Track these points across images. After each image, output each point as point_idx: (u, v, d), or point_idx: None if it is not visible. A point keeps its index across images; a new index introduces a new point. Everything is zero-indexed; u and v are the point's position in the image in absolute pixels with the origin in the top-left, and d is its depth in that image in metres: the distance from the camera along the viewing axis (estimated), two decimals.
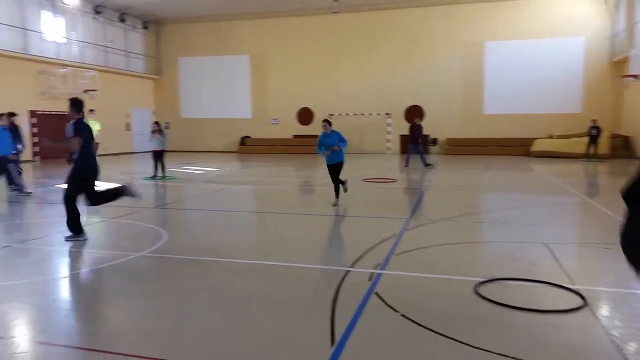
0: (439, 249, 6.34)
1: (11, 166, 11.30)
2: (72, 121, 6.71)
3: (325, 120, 9.60)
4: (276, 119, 28.23)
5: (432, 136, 25.83)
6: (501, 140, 24.73)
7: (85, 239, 6.80)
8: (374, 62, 26.36)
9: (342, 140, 9.34)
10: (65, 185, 6.81)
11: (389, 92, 26.05)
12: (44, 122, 22.03)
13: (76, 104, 6.78)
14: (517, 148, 23.77)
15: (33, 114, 21.64)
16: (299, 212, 9.37)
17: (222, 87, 28.79)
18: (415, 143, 17.51)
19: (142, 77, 28.97)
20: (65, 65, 22.89)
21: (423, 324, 3.83)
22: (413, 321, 3.89)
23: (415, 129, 17.68)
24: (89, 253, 6.30)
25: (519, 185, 13.35)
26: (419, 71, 25.83)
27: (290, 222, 8.37)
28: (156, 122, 15.13)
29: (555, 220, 8.52)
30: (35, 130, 21.74)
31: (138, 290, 4.86)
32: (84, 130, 6.74)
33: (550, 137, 23.66)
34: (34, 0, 21.95)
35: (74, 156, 6.72)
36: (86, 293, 4.92)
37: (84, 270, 5.56)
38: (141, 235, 7.38)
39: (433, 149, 25.83)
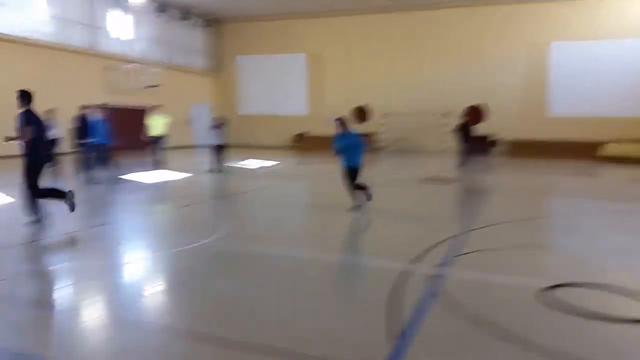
0: (503, 252, 6.13)
1: (92, 155, 12.11)
2: (21, 111, 6.74)
3: (338, 119, 8.56)
4: (332, 117, 28.26)
5: (493, 137, 25.08)
6: (567, 143, 23.64)
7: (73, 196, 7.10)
8: (434, 60, 25.90)
9: (359, 141, 8.39)
10: (25, 178, 6.88)
11: (448, 91, 25.50)
12: (109, 116, 23.03)
13: (25, 96, 6.82)
14: (584, 152, 22.62)
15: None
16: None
17: (279, 85, 29.14)
18: (466, 142, 16.93)
19: (202, 74, 29.78)
20: (130, 62, 23.86)
21: (484, 327, 3.71)
22: (474, 324, 3.77)
23: (464, 128, 17.10)
24: (157, 239, 6.55)
25: (587, 190, 12.73)
26: (480, 70, 25.13)
27: (345, 218, 8.34)
28: (216, 118, 15.51)
29: (628, 227, 8.05)
30: None
31: (202, 275, 5.00)
32: (34, 121, 6.79)
33: (621, 141, 22.41)
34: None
35: (25, 146, 6.77)
36: (156, 275, 5.13)
37: (154, 255, 5.78)
38: (202, 224, 7.60)
39: (493, 150, 25.07)
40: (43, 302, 4.17)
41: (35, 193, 6.95)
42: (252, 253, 5.86)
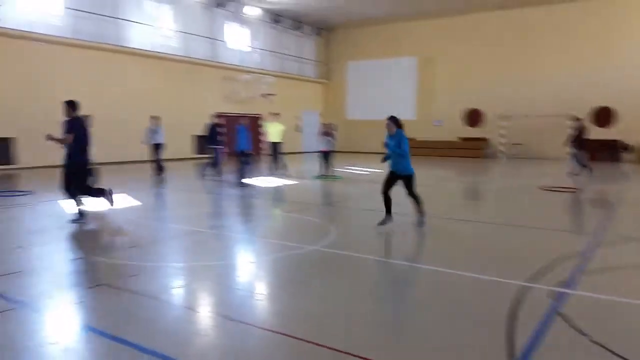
0: (633, 270, 5.49)
1: (220, 159, 13.55)
2: (68, 119, 7.31)
3: (390, 118, 7.53)
4: (440, 121, 27.46)
5: (625, 142, 22.74)
6: None
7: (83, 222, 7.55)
8: (555, 59, 24.11)
9: (399, 145, 7.31)
10: (65, 179, 7.48)
11: (572, 91, 23.58)
12: (227, 123, 24.50)
13: (72, 105, 7.41)
14: None
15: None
16: (466, 219, 8.94)
17: (388, 89, 28.97)
18: (581, 149, 15.41)
19: (313, 81, 30.57)
20: (247, 72, 25.15)
21: (618, 353, 3.32)
22: (606, 348, 3.40)
23: (580, 134, 15.55)
24: (269, 243, 6.80)
25: None
26: (610, 68, 22.90)
27: (456, 229, 8.02)
28: (325, 124, 15.81)
29: None
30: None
31: (310, 280, 5.07)
32: (78, 128, 7.31)
33: None
34: (222, 13, 24.53)
35: (67, 150, 7.33)
36: (266, 278, 5.32)
37: (265, 258, 6.00)
38: (312, 229, 7.74)
39: (626, 157, 22.72)
40: (161, 299, 4.51)
41: (83, 192, 7.65)
42: (358, 262, 5.83)
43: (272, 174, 15.42)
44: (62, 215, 8.30)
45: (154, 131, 14.71)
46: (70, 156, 7.52)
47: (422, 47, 27.84)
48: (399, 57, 28.52)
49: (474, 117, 26.53)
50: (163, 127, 15.06)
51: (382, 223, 7.39)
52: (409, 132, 24.50)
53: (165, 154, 14.72)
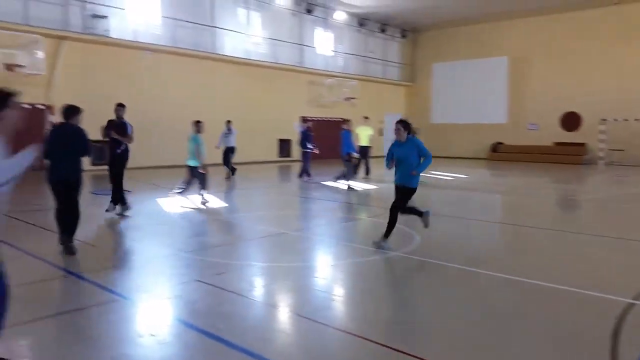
0: None
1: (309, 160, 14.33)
2: (123, 120, 8.43)
3: (400, 122, 6.72)
4: (535, 124, 26.02)
5: None
6: None
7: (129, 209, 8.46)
8: None
9: (423, 154, 6.46)
10: (120, 170, 8.46)
11: None
12: (314, 127, 24.82)
13: (124, 108, 8.55)
14: None
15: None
16: (560, 229, 8.39)
17: (476, 91, 27.92)
18: None
19: (396, 84, 30.22)
20: (332, 76, 25.38)
21: None
22: None
23: None
24: (350, 246, 6.79)
25: None
26: None
27: (551, 239, 7.55)
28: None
29: None
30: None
31: (389, 286, 5.01)
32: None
33: None
34: (311, 19, 24.95)
35: (119, 150, 8.30)
36: (346, 281, 5.32)
37: (346, 262, 6.00)
38: (394, 235, 7.59)
39: None
40: (246, 296, 4.67)
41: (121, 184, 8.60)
42: (440, 269, 5.64)
43: (356, 177, 15.40)
44: (158, 213, 8.84)
45: (227, 135, 15.28)
46: (122, 153, 8.44)
47: (513, 46, 26.57)
48: (487, 57, 27.41)
49: (571, 121, 24.89)
50: (236, 131, 15.56)
51: (379, 246, 6.36)
52: (498, 136, 23.60)
53: (251, 157, 15.20)
